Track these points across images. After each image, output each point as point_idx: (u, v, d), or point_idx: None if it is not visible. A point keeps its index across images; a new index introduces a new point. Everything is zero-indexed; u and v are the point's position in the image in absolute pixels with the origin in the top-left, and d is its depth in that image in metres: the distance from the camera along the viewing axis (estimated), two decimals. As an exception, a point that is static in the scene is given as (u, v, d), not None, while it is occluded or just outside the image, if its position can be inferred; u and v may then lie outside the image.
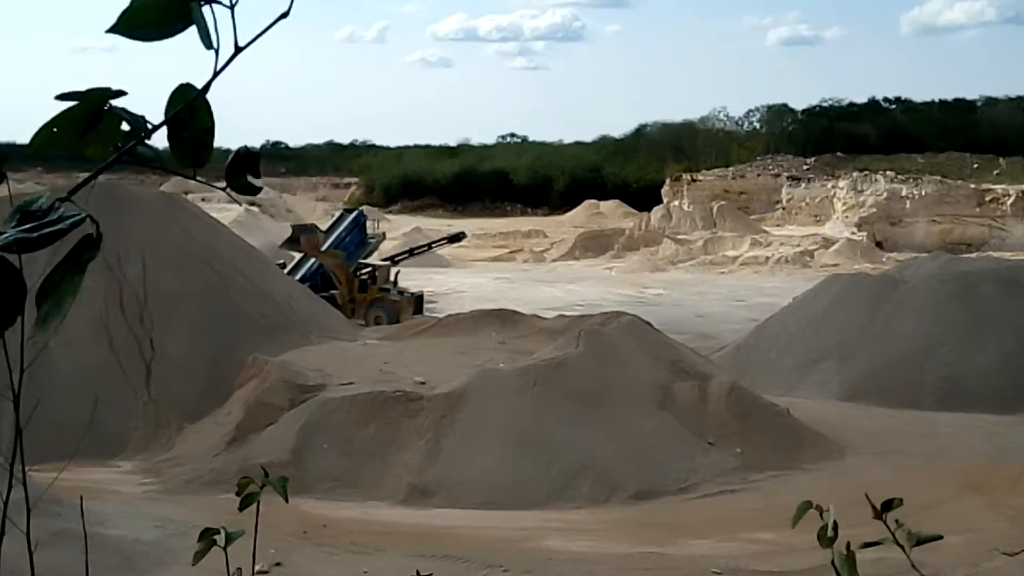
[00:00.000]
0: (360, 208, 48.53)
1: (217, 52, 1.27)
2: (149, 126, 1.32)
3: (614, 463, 17.71)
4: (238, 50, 1.29)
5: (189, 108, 1.31)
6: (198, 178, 1.37)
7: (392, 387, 19.50)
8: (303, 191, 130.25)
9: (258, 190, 1.43)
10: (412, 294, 39.91)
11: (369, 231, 43.40)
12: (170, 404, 21.23)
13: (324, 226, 44.55)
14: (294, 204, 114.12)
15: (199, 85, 1.32)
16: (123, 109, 1.31)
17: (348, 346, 24.61)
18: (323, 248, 39.40)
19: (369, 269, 40.28)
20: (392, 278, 40.60)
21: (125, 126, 1.33)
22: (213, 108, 1.33)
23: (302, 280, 36.47)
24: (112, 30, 1.26)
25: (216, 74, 1.29)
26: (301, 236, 39.81)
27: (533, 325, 25.56)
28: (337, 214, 44.76)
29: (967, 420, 21.86)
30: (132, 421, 20.65)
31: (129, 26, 1.26)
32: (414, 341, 25.35)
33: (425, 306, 40.15)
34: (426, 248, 48.03)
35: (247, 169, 1.39)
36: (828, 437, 20.08)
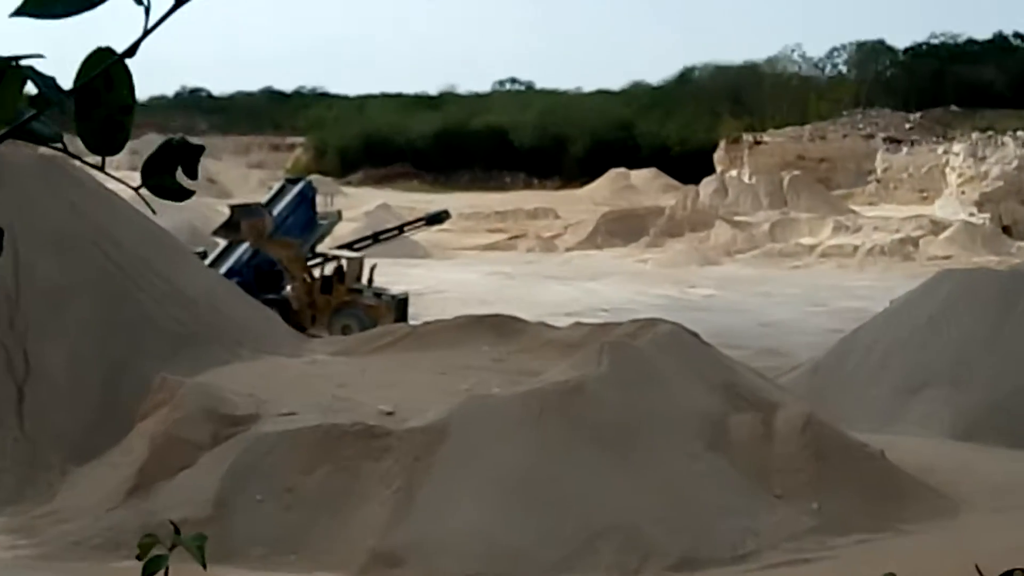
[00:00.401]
0: (308, 178, 48.48)
1: (148, 9, 1.27)
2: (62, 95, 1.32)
3: (648, 521, 17.70)
4: (180, 1, 1.29)
5: (106, 78, 1.31)
6: (107, 171, 1.37)
7: (349, 419, 19.49)
8: (231, 155, 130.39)
9: (190, 194, 1.43)
10: (394, 296, 39.81)
11: (320, 209, 43.37)
12: (50, 439, 21.22)
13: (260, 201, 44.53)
14: (219, 172, 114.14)
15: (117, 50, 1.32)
16: (31, 68, 1.31)
17: (290, 363, 24.61)
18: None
19: (335, 263, 40.19)
20: (367, 275, 40.51)
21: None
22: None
23: (229, 274, 36.47)
24: (18, 13, 1.26)
25: (147, 33, 1.29)
26: (242, 220, 39.51)
27: (540, 336, 25.54)
28: (277, 186, 44.71)
29: (1124, 467, 21.85)
30: (-1, 462, 20.65)
31: (40, 4, 1.27)
32: (379, 357, 25.35)
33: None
34: (396, 232, 48.05)
35: (179, 166, 1.39)
36: (936, 488, 20.08)
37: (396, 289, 41.08)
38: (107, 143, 1.34)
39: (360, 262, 40.70)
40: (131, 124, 1.34)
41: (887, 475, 19.90)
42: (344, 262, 40.17)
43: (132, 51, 1.32)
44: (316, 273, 39.94)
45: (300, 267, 39.16)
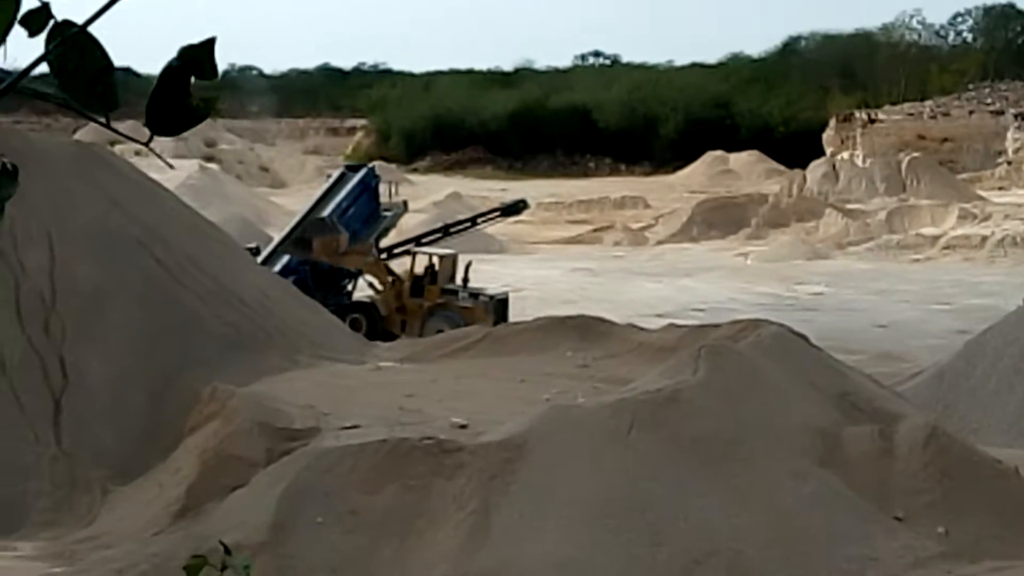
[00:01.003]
0: (370, 165, 48.71)
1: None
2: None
3: (752, 546, 17.60)
4: None
5: (77, 49, 1.33)
6: (113, 126, 1.37)
7: (418, 432, 19.53)
8: (285, 139, 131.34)
9: (212, 104, 1.42)
10: (492, 296, 39.75)
11: (383, 199, 43.53)
12: (90, 456, 21.42)
13: (316, 192, 44.82)
14: (272, 159, 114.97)
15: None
16: None
17: (353, 371, 24.71)
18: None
19: (427, 261, 40.10)
20: (462, 273, 40.40)
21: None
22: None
23: (284, 272, 36.72)
24: None
25: (108, 5, 1.29)
26: (315, 238, 39.79)
27: (629, 340, 25.47)
28: (336, 173, 44.93)
29: None
30: (34, 481, 20.86)
31: None
32: (451, 364, 25.39)
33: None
34: (469, 224, 48.06)
35: (193, 72, 1.38)
36: (1079, 510, 19.81)
37: (494, 288, 40.88)
38: (101, 101, 1.36)
39: (454, 259, 40.57)
40: (114, 82, 1.35)
41: (1022, 495, 19.66)
42: (436, 260, 40.10)
43: (90, 22, 1.34)
44: (404, 273, 39.98)
45: (382, 271, 39.33)
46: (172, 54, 1.35)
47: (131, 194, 26.82)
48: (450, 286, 39.49)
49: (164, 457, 20.65)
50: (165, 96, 1.41)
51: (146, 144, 1.44)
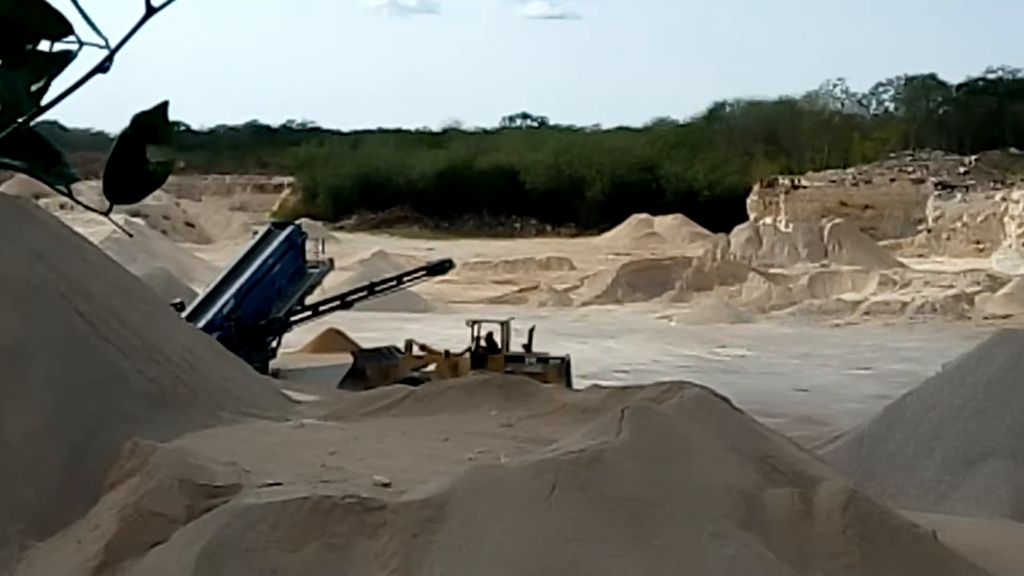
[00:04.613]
0: (297, 222, 48.70)
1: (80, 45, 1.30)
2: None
3: (673, 609, 17.60)
4: (151, 11, 1.32)
5: (32, 140, 1.35)
6: (77, 198, 1.39)
7: (340, 490, 19.43)
8: (212, 196, 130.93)
9: (163, 177, 1.44)
10: (558, 360, 39.47)
11: (309, 256, 43.50)
12: (8, 511, 21.16)
13: (242, 248, 44.74)
14: (198, 215, 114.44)
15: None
16: None
17: (276, 428, 24.56)
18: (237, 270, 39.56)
19: (485, 329, 39.87)
20: (525, 338, 40.25)
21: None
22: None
23: (208, 328, 36.57)
24: None
25: (116, 48, 1.32)
26: (367, 366, 39.79)
27: (553, 400, 25.48)
28: (262, 231, 44.89)
29: None
30: (-49, 536, 20.60)
31: None
32: (374, 422, 25.30)
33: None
34: (394, 283, 48.12)
35: (148, 138, 1.40)
36: (994, 574, 19.97)
37: (558, 352, 40.67)
38: (57, 176, 1.38)
39: (508, 325, 40.39)
40: (68, 163, 1.37)
41: (939, 559, 19.78)
42: (495, 328, 39.96)
43: (105, 67, 1.35)
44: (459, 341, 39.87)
45: (429, 350, 39.37)
46: (99, 107, 1.39)
47: (55, 248, 26.62)
48: (515, 353, 39.33)
49: (83, 513, 20.42)
50: (122, 163, 1.42)
51: (106, 214, 1.46)
